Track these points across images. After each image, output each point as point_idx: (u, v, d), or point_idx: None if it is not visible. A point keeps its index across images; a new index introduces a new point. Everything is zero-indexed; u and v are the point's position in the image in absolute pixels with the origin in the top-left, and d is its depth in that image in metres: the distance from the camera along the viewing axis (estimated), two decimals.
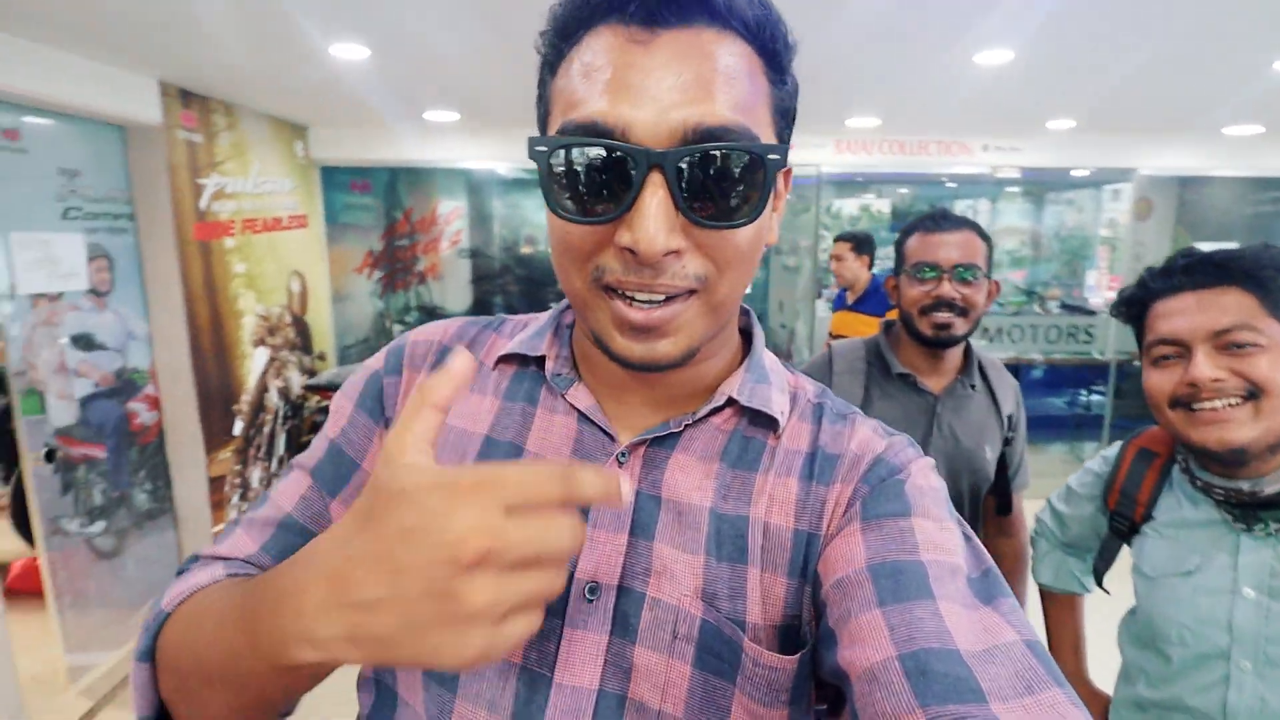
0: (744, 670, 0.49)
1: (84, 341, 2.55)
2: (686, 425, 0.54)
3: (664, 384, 0.55)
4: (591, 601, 0.51)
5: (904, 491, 0.52)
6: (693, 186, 0.44)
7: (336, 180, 4.32)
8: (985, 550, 0.52)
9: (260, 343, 3.47)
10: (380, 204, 4.90)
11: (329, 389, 3.76)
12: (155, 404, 2.84)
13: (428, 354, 0.62)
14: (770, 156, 0.45)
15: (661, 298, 0.46)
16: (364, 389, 0.62)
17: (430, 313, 5.11)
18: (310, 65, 2.52)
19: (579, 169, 0.45)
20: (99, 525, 2.56)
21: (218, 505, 2.99)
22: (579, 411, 0.56)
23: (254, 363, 3.41)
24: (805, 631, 0.51)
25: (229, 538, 0.59)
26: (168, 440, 2.90)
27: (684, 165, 0.43)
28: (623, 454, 0.54)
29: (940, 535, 0.49)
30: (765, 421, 0.56)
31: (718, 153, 0.44)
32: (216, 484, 2.99)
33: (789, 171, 0.55)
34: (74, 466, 2.46)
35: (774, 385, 0.58)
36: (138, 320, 2.77)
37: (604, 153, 0.44)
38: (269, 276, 3.52)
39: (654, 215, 0.43)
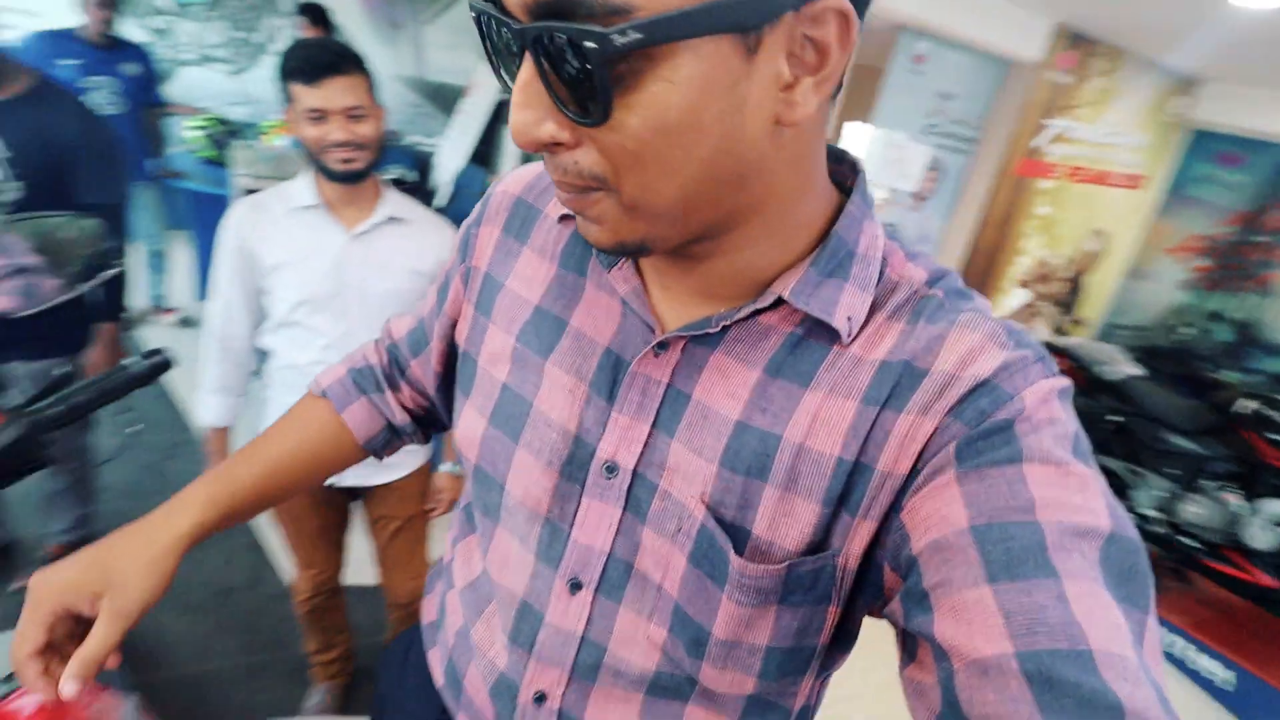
0: (731, 579, 0.48)
1: (890, 230, 3.23)
2: (727, 324, 0.48)
3: (699, 273, 0.49)
4: (610, 479, 0.52)
5: (1014, 431, 0.42)
6: (551, 71, 0.36)
7: (1204, 147, 3.78)
8: (1119, 506, 0.41)
9: (1025, 284, 3.60)
10: (1251, 185, 4.04)
11: (1063, 354, 3.65)
12: None
13: (499, 209, 0.61)
14: (588, 45, 0.33)
15: (570, 184, 0.41)
16: (461, 235, 0.65)
17: (1244, 329, 4.12)
18: (1208, 13, 2.27)
19: (486, 40, 0.40)
20: None
21: None
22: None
23: (1009, 300, 3.59)
24: (832, 554, 0.47)
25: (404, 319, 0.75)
26: None
27: (535, 45, 0.36)
28: (660, 346, 0.50)
29: (1063, 486, 0.40)
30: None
31: (545, 31, 0.35)
32: None
33: (832, 9, 0.37)
34: None
35: (853, 280, 0.47)
36: (934, 226, 3.29)
37: (488, 22, 0.38)
38: (1068, 226, 3.53)
39: (518, 102, 0.38)
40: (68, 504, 1.95)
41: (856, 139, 3.01)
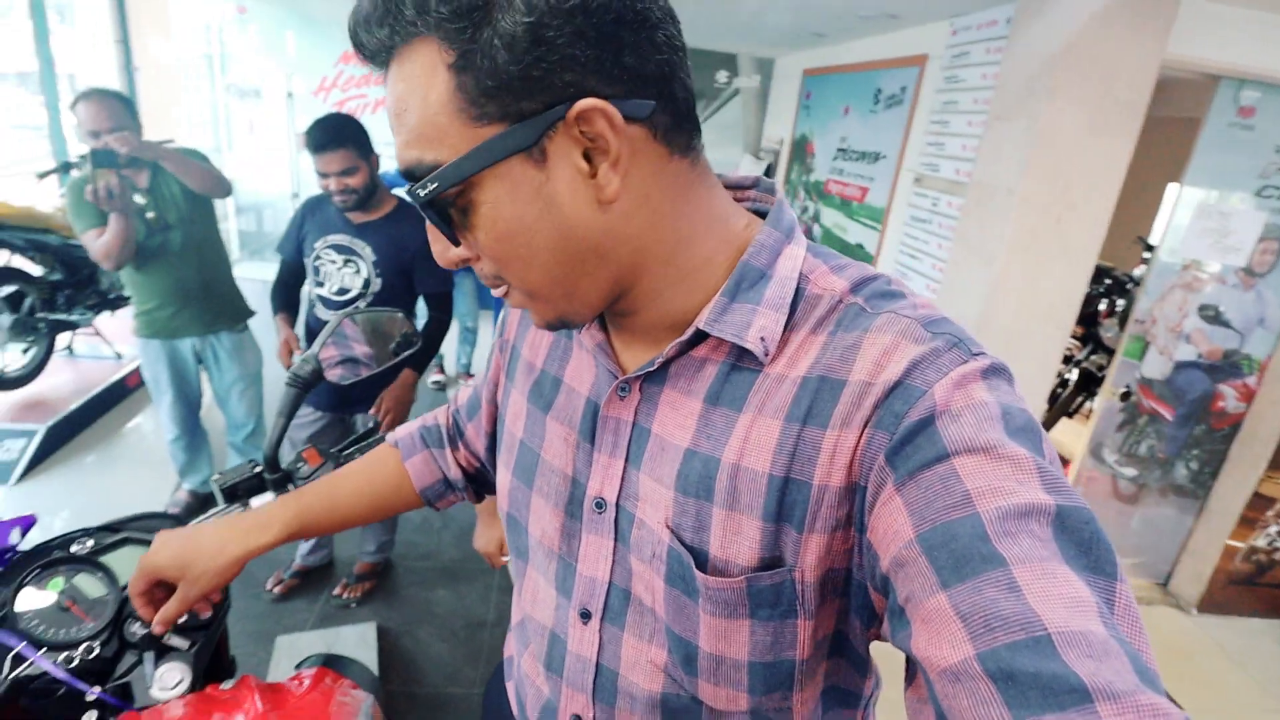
0: (701, 593, 0.51)
1: (1211, 313, 2.66)
2: (669, 360, 0.53)
3: (638, 325, 0.55)
4: (600, 514, 0.58)
5: (935, 428, 0.43)
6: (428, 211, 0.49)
7: None
8: (1063, 478, 0.41)
9: None
10: None
11: None
12: (1248, 396, 2.73)
13: None
14: (414, 189, 0.46)
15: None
16: (502, 314, 0.76)
17: None
18: None
19: None
20: (1130, 470, 2.82)
21: (1247, 521, 2.73)
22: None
23: None
24: (788, 569, 0.49)
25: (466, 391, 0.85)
26: (1240, 434, 2.77)
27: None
28: (623, 388, 0.56)
29: (995, 472, 0.40)
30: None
31: (406, 192, 0.48)
32: (1258, 500, 2.70)
33: (584, 113, 0.43)
34: (1138, 415, 2.74)
35: (765, 302, 0.51)
36: (1274, 308, 2.64)
37: None
38: None
39: (432, 239, 0.52)
40: (376, 532, 2.43)
41: (1171, 202, 2.57)
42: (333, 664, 0.86)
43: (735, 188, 0.59)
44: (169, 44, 5.16)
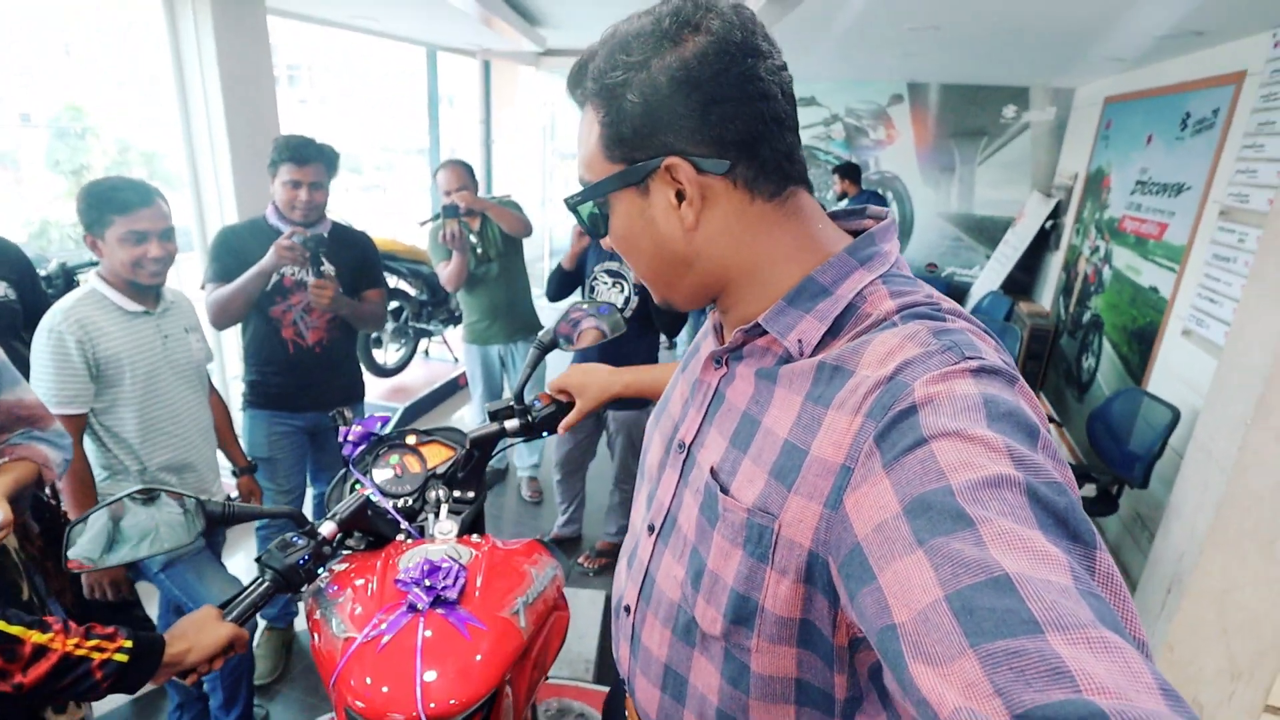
0: (721, 516, 0.62)
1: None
2: (740, 345, 0.66)
3: (731, 317, 0.67)
4: (679, 454, 0.71)
5: (917, 417, 0.48)
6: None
7: None
8: (1037, 457, 0.45)
9: None
10: None
11: None
12: None
13: None
14: (570, 198, 0.66)
15: None
16: None
17: None
18: None
19: None
20: None
21: None
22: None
23: None
24: (772, 517, 0.57)
25: None
26: None
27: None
28: (717, 361, 0.70)
29: (967, 450, 0.44)
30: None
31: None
32: None
33: (668, 167, 0.58)
34: None
35: (813, 313, 0.60)
36: None
37: None
38: None
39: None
40: (617, 515, 2.86)
41: None
42: (548, 548, 1.20)
43: (849, 218, 0.69)
44: (515, 117, 6.51)
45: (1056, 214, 4.77)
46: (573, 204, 0.66)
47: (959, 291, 5.60)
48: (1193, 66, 3.14)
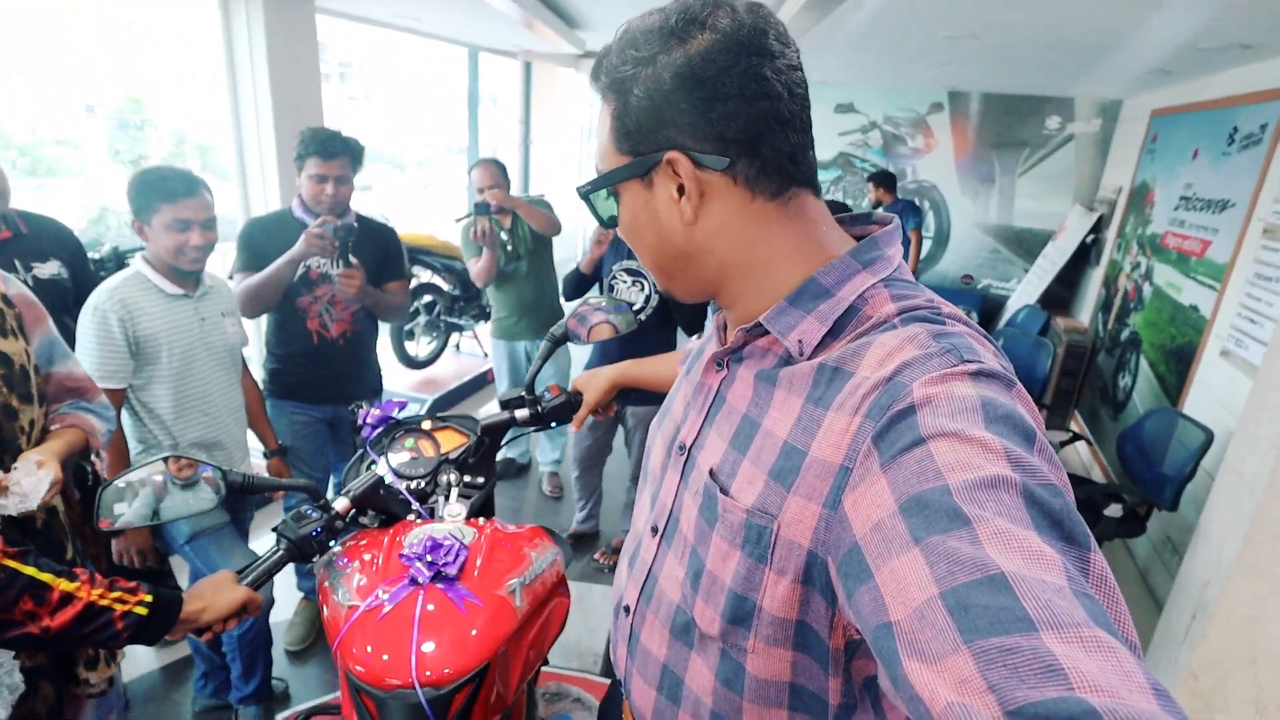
0: (720, 517, 0.62)
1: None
2: (741, 345, 0.67)
3: (733, 315, 0.68)
4: (680, 455, 0.72)
5: (915, 417, 0.48)
6: None
7: None
8: (1033, 460, 0.45)
9: None
10: None
11: None
12: None
13: None
14: (580, 186, 0.67)
15: None
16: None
17: None
18: None
19: None
20: None
21: None
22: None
23: None
24: (771, 517, 0.57)
25: None
26: None
27: None
28: (718, 363, 0.70)
29: (965, 451, 0.45)
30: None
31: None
32: None
33: (669, 160, 0.59)
34: None
35: (813, 313, 0.60)
36: None
37: None
38: None
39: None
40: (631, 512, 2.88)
41: None
42: (552, 535, 1.24)
43: (855, 222, 0.69)
44: (554, 117, 6.59)
45: (1098, 228, 4.66)
46: (584, 192, 0.67)
47: (995, 304, 5.50)
48: (1241, 80, 3.05)
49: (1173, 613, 2.31)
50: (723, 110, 0.57)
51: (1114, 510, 2.58)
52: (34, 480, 1.05)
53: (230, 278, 2.14)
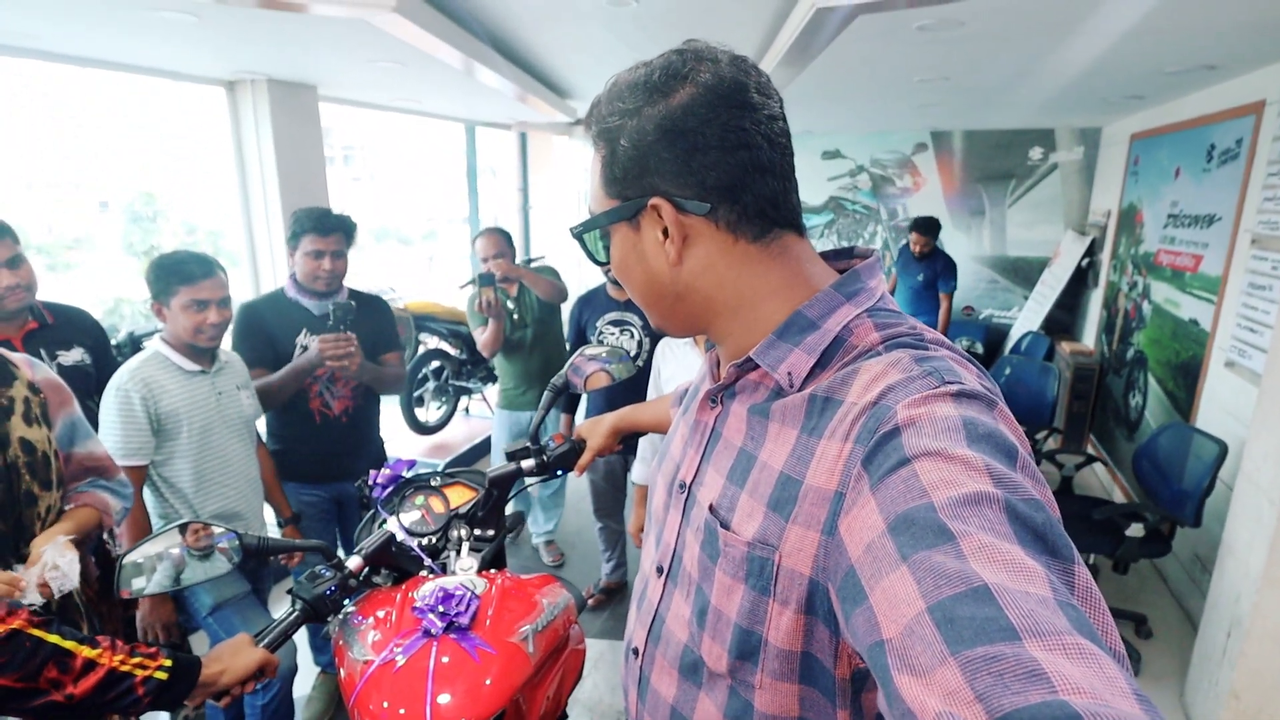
0: (721, 552, 0.63)
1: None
2: (733, 380, 0.68)
3: (724, 351, 0.71)
4: (681, 494, 0.72)
5: (900, 439, 0.50)
6: None
7: None
8: (1016, 476, 0.46)
9: None
10: None
11: None
12: None
13: None
14: (573, 227, 0.69)
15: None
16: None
17: None
18: None
19: None
20: None
21: None
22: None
23: None
24: (772, 549, 0.58)
25: None
26: None
27: None
28: (712, 400, 0.72)
29: (948, 469, 0.46)
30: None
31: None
32: None
33: (653, 206, 0.62)
34: None
35: (801, 346, 0.62)
36: None
37: None
38: None
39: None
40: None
41: None
42: (563, 583, 1.25)
43: (839, 257, 0.72)
44: (550, 182, 6.80)
45: (1092, 251, 4.71)
46: (576, 232, 0.70)
47: (998, 333, 5.51)
48: (1213, 99, 3.14)
49: (1208, 632, 2.25)
50: (703, 160, 0.60)
51: (1136, 530, 2.53)
52: (69, 560, 1.08)
53: None
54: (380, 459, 2.41)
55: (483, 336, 2.87)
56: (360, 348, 2.07)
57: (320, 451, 2.19)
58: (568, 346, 2.76)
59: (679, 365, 2.04)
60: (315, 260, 2.09)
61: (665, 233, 0.63)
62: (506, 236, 2.89)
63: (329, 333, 1.98)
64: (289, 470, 2.18)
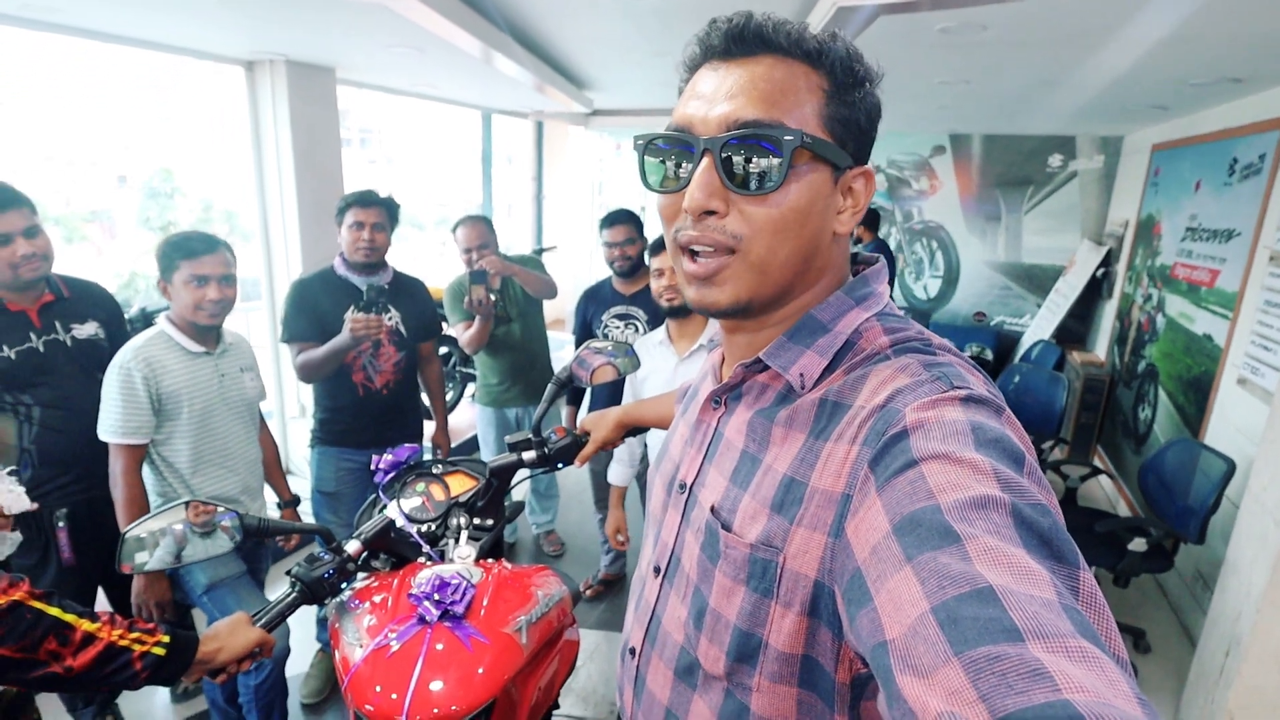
0: (722, 554, 0.63)
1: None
2: (740, 381, 0.68)
3: (736, 344, 0.68)
4: (681, 494, 0.72)
5: (907, 441, 0.50)
6: (729, 163, 0.58)
7: None
8: (1022, 481, 0.46)
9: None
10: None
11: None
12: None
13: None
14: (785, 138, 0.55)
15: (710, 249, 0.60)
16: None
17: None
18: None
19: (661, 155, 0.63)
20: None
21: None
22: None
23: None
24: (776, 551, 0.58)
25: None
26: None
27: (724, 147, 0.57)
28: (715, 401, 0.71)
29: (956, 472, 0.46)
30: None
31: (742, 135, 0.57)
32: None
33: (865, 174, 0.61)
34: None
35: (813, 348, 0.62)
36: None
37: (673, 141, 0.61)
38: None
39: (699, 182, 0.58)
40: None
41: None
42: (559, 574, 1.25)
43: (857, 262, 0.71)
44: (565, 172, 6.80)
45: (1108, 262, 4.67)
46: (792, 146, 0.56)
47: (1009, 341, 5.48)
48: (1237, 113, 3.10)
49: (1206, 650, 2.23)
50: (873, 136, 0.63)
51: (1138, 544, 2.52)
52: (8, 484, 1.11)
53: (283, 341, 2.25)
54: (418, 430, 2.51)
55: (467, 334, 2.69)
56: (405, 329, 2.29)
57: (361, 421, 2.31)
58: (573, 340, 2.75)
59: (650, 366, 2.05)
60: (357, 231, 2.20)
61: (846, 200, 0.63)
62: (489, 224, 2.71)
63: (360, 314, 2.06)
64: (332, 437, 2.31)
